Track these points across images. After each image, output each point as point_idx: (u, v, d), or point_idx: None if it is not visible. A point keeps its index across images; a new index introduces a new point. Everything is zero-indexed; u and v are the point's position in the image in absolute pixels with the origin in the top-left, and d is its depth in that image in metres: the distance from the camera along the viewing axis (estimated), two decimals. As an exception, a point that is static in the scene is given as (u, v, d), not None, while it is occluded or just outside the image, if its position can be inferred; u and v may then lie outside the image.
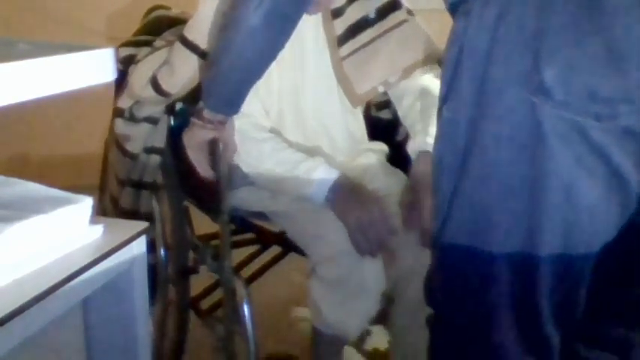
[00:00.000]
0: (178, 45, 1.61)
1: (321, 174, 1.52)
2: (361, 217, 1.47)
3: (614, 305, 1.06)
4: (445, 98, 0.97)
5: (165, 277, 1.82)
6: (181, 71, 1.60)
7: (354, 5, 1.65)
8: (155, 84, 1.62)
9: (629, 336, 1.06)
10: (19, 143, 3.12)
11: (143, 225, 1.11)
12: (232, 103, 1.48)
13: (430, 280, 1.10)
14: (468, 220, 0.97)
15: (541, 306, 0.96)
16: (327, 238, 1.50)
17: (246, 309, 1.55)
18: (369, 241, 1.46)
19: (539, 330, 0.98)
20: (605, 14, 0.83)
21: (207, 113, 1.48)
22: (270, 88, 1.62)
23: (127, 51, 1.73)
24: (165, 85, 1.61)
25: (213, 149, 1.53)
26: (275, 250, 1.91)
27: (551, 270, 0.94)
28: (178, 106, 1.71)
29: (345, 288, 1.49)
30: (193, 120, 1.51)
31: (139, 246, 1.08)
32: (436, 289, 1.06)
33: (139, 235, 1.08)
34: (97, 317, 1.12)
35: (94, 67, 0.96)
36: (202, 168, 1.54)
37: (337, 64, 1.64)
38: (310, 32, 1.62)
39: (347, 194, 1.51)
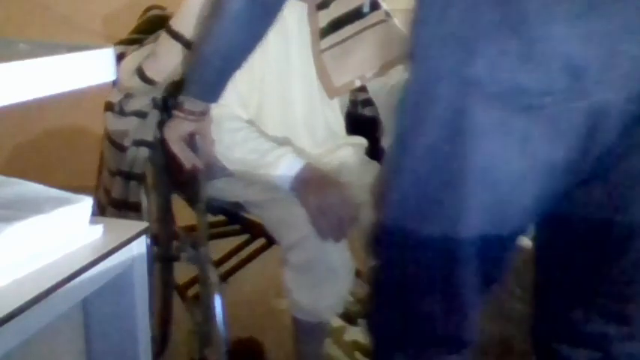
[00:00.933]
0: (164, 34, 1.65)
1: (288, 162, 1.56)
2: (321, 202, 1.50)
3: (588, 302, 1.10)
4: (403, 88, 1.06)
5: (150, 264, 1.87)
6: (166, 59, 1.64)
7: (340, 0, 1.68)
8: (141, 73, 1.66)
9: (606, 331, 1.10)
10: (19, 143, 3.12)
11: (143, 225, 1.11)
12: (212, 90, 1.49)
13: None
14: (405, 199, 1.05)
15: (465, 284, 1.04)
16: (294, 224, 1.53)
17: (217, 297, 1.61)
18: (330, 225, 1.49)
19: (462, 306, 1.07)
20: (527, 14, 0.89)
21: (188, 105, 1.51)
22: (252, 77, 1.64)
23: (118, 49, 1.75)
24: (149, 72, 1.65)
25: (191, 142, 1.57)
26: (262, 240, 1.96)
27: (475, 251, 1.01)
28: (171, 102, 1.75)
29: (314, 272, 1.51)
30: (174, 112, 1.54)
31: (139, 246, 1.08)
32: (376, 257, 1.14)
33: (139, 235, 1.08)
34: (97, 317, 1.12)
35: (94, 67, 0.96)
36: (186, 160, 1.57)
37: (317, 55, 1.67)
38: (295, 23, 1.65)
39: (310, 181, 1.54)
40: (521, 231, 1.06)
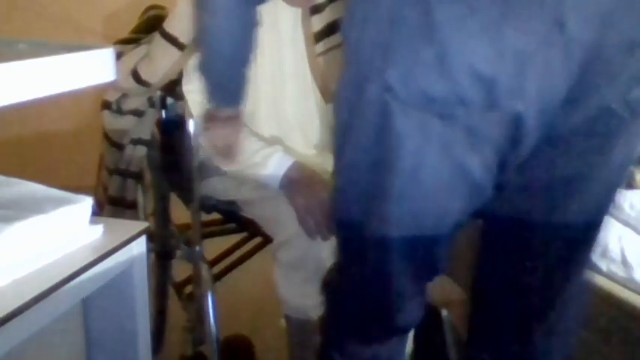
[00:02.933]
0: (158, 37, 1.66)
1: (276, 161, 1.57)
2: (308, 201, 1.51)
3: (513, 296, 1.18)
4: None
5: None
6: (160, 62, 1.65)
7: (335, 4, 1.67)
8: (135, 75, 1.67)
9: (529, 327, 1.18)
10: (19, 143, 3.12)
11: (143, 225, 1.11)
12: (229, 91, 1.45)
13: None
14: (342, 193, 1.11)
15: (398, 275, 1.10)
16: (284, 222, 1.53)
17: (209, 295, 1.64)
18: (316, 224, 1.50)
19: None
20: (442, 26, 0.91)
21: (217, 111, 1.47)
22: None
23: (116, 49, 1.75)
24: (144, 75, 1.67)
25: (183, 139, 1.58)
26: (259, 239, 1.97)
27: (403, 246, 1.06)
28: (169, 101, 1.78)
29: (303, 269, 1.52)
30: (208, 124, 1.51)
31: (139, 246, 1.08)
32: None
33: (139, 235, 1.08)
34: (97, 317, 1.12)
35: (93, 67, 0.96)
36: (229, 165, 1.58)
37: (313, 59, 1.66)
38: (289, 27, 1.65)
39: (298, 180, 1.55)
40: (454, 229, 1.09)
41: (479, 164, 0.99)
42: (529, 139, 0.97)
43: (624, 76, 0.95)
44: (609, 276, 1.42)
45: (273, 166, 1.56)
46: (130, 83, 1.69)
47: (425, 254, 1.10)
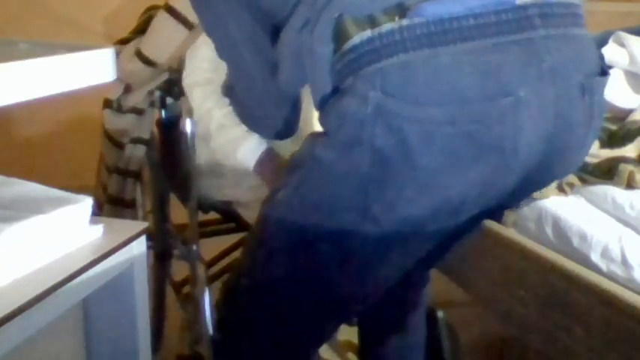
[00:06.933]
0: (162, 13, 1.66)
1: (252, 143, 1.51)
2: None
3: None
4: None
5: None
6: (164, 38, 1.65)
7: None
8: (140, 55, 1.68)
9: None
10: (19, 143, 3.12)
11: (143, 225, 1.11)
12: (274, 127, 1.33)
13: None
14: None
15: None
16: None
17: (206, 294, 1.62)
18: None
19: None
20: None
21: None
22: None
23: (116, 49, 1.77)
24: (148, 52, 1.67)
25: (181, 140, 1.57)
26: None
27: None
28: (169, 100, 1.77)
29: None
30: (262, 156, 1.51)
31: (139, 246, 1.08)
32: None
33: (139, 235, 1.08)
34: (97, 317, 1.12)
35: (94, 67, 0.96)
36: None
37: None
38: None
39: (271, 164, 1.51)
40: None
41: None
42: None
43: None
44: (609, 276, 1.42)
45: (247, 150, 1.52)
46: (135, 64, 1.68)
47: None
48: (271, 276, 1.13)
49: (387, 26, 0.92)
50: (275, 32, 1.08)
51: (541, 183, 1.20)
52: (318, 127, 1.06)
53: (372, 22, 0.92)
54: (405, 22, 0.91)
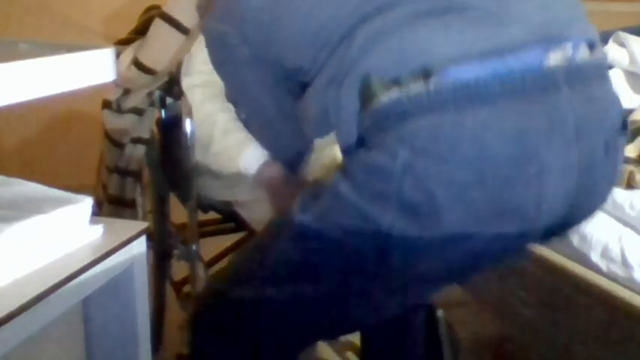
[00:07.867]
0: (158, 21, 1.66)
1: (257, 150, 1.49)
2: (285, 200, 1.45)
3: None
4: None
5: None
6: (161, 45, 1.64)
7: None
8: (138, 64, 1.67)
9: None
10: (19, 143, 3.12)
11: (143, 225, 1.11)
12: (287, 151, 1.36)
13: None
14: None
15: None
16: None
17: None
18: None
19: None
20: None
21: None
22: None
23: (116, 49, 1.77)
24: (146, 61, 1.66)
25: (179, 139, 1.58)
26: None
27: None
28: (169, 100, 1.77)
29: None
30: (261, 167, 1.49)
31: (139, 246, 1.08)
32: None
33: (139, 235, 1.08)
34: (97, 317, 1.12)
35: (94, 67, 0.96)
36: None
37: None
38: None
39: (277, 176, 1.48)
40: None
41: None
42: None
43: None
44: (609, 276, 1.42)
45: (247, 158, 1.51)
46: (133, 72, 1.68)
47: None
48: (276, 293, 1.11)
49: (414, 89, 0.93)
50: (298, 90, 1.09)
51: (560, 233, 1.19)
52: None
53: (399, 83, 0.94)
54: (432, 86, 0.92)
